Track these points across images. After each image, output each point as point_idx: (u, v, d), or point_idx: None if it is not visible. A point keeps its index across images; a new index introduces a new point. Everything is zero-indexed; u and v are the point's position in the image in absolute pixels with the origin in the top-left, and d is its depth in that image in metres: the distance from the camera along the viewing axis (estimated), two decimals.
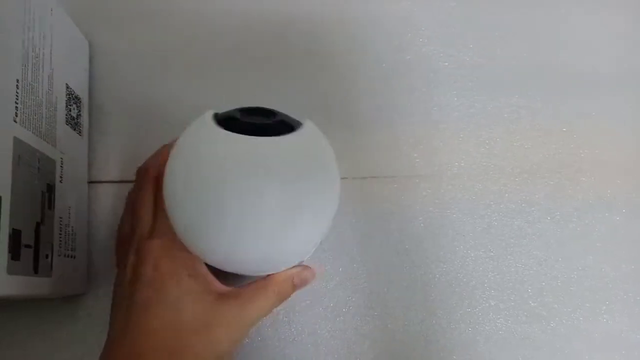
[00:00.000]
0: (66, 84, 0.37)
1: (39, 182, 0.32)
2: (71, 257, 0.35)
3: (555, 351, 0.39)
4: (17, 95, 0.30)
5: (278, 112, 0.30)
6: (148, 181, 0.33)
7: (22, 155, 0.30)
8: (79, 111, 0.39)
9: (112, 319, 0.30)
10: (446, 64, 0.43)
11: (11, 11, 0.30)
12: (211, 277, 0.31)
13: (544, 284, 0.40)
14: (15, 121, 0.29)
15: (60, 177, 0.34)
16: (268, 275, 0.32)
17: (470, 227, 0.40)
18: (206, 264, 0.31)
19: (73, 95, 0.38)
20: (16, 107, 0.29)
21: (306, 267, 0.33)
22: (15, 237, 0.28)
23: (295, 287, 0.33)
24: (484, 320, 0.39)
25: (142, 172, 0.34)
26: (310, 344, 0.38)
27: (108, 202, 0.40)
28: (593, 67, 0.44)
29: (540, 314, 0.39)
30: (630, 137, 0.43)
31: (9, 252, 0.28)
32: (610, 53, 0.44)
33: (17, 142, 0.29)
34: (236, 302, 0.30)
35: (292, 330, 0.38)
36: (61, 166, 0.35)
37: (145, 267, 0.29)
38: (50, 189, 0.33)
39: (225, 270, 0.30)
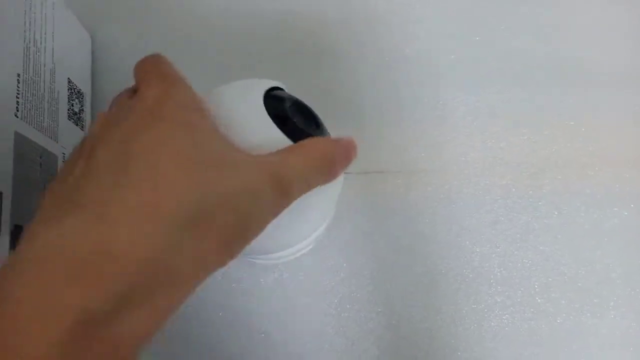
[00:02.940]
0: (68, 78, 0.36)
1: (41, 178, 0.31)
2: None
3: (562, 348, 0.38)
4: (18, 90, 0.29)
5: (320, 124, 0.30)
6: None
7: (24, 150, 0.29)
8: (82, 106, 0.38)
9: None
10: (452, 57, 0.43)
11: (12, 5, 0.30)
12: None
13: (550, 279, 0.39)
14: (16, 116, 0.29)
15: None
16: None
17: (476, 223, 0.40)
18: None
19: (75, 90, 0.37)
20: (17, 102, 0.29)
21: (344, 139, 0.27)
22: (16, 234, 0.28)
23: (352, 157, 0.27)
24: (490, 316, 0.38)
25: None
26: (314, 341, 0.38)
27: None
28: (601, 60, 0.43)
29: (547, 310, 0.39)
30: (638, 131, 0.42)
31: (11, 248, 0.27)
32: (619, 47, 0.44)
33: (19, 137, 0.29)
34: (273, 154, 0.23)
35: (296, 326, 0.38)
36: (63, 161, 0.34)
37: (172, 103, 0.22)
38: None
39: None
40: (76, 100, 0.37)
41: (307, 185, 0.24)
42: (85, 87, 0.39)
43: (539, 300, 0.39)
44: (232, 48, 0.43)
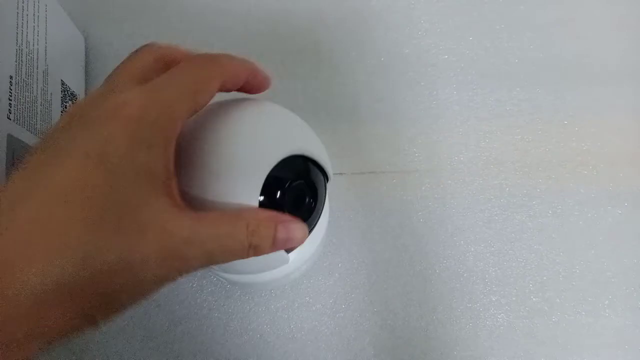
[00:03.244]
0: (61, 80, 0.36)
1: None
2: None
3: (557, 346, 0.38)
4: (10, 92, 0.29)
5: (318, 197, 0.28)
6: None
7: (17, 152, 0.29)
8: None
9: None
10: (446, 56, 0.43)
11: (5, 7, 0.30)
12: (172, 174, 0.21)
13: (545, 278, 0.39)
14: (9, 118, 0.29)
15: None
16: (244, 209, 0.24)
17: (470, 222, 0.40)
18: None
19: (69, 92, 0.37)
20: (10, 104, 0.29)
21: (295, 219, 0.24)
22: None
23: (275, 241, 0.23)
24: (485, 315, 0.38)
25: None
26: (310, 341, 0.38)
27: None
28: (594, 60, 0.44)
29: (542, 308, 0.39)
30: (632, 130, 0.42)
31: None
32: (612, 46, 0.44)
33: (11, 139, 0.29)
34: (194, 214, 0.21)
35: (292, 326, 0.38)
36: None
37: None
38: None
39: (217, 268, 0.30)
40: (69, 101, 0.37)
41: (210, 262, 0.22)
42: (78, 88, 0.39)
43: (533, 299, 0.39)
44: (227, 48, 0.42)
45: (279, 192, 0.26)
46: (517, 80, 0.43)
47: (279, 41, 0.43)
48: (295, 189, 0.27)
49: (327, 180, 0.30)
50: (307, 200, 0.28)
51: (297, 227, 0.24)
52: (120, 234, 0.18)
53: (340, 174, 0.40)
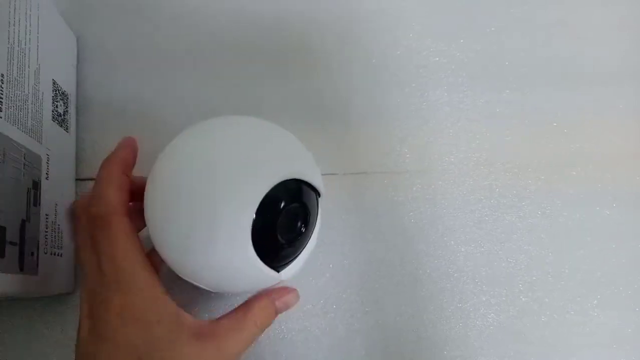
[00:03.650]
0: (53, 79, 0.36)
1: (25, 179, 0.31)
2: (57, 255, 0.35)
3: (546, 346, 0.39)
4: (1, 90, 0.29)
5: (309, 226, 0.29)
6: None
7: (7, 151, 0.29)
8: (66, 107, 0.38)
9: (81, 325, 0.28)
10: (437, 58, 0.43)
11: None
12: (180, 313, 0.28)
13: (535, 278, 0.39)
14: (0, 116, 0.29)
15: (47, 173, 0.34)
16: (246, 302, 0.30)
17: (461, 222, 0.40)
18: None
19: (60, 91, 0.37)
20: (1, 102, 0.29)
21: (288, 290, 0.31)
22: (0, 235, 0.28)
23: (277, 313, 0.30)
24: (475, 315, 0.39)
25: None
26: (301, 341, 0.38)
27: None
28: (584, 63, 0.44)
29: (531, 308, 0.39)
30: (620, 131, 0.43)
31: None
32: (604, 49, 0.44)
33: (2, 137, 0.29)
34: (213, 343, 0.27)
35: (283, 327, 0.38)
36: (47, 163, 0.34)
37: (105, 320, 0.26)
38: (36, 185, 0.33)
39: (210, 289, 0.30)
40: (60, 101, 0.37)
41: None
42: (70, 88, 0.39)
43: (523, 299, 0.39)
44: (221, 50, 0.43)
45: (270, 218, 0.26)
46: (507, 82, 0.43)
47: (270, 42, 0.43)
48: (288, 212, 0.27)
49: (319, 196, 0.30)
50: (299, 224, 0.28)
51: (291, 296, 0.31)
52: None
53: (332, 174, 0.40)
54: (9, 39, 0.30)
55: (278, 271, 0.28)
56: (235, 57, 0.43)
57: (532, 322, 0.39)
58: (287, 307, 0.31)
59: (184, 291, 0.34)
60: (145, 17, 0.43)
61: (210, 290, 0.30)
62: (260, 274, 0.27)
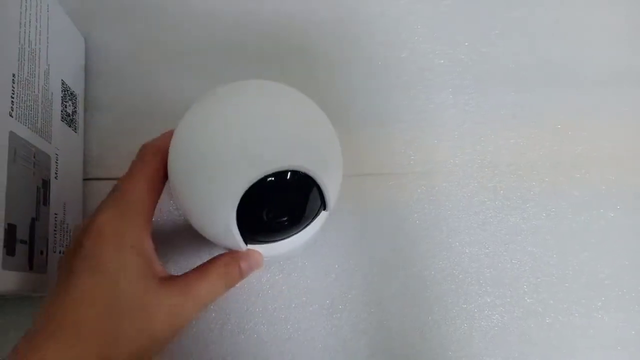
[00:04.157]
0: (62, 80, 0.36)
1: (35, 178, 0.31)
2: None
3: (550, 347, 0.39)
4: (13, 90, 0.29)
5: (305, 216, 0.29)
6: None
7: (18, 150, 0.29)
8: (75, 108, 0.38)
9: (49, 290, 0.28)
10: (441, 61, 0.44)
11: (8, 5, 0.30)
12: (154, 257, 0.28)
13: (539, 280, 0.40)
14: (11, 115, 0.29)
15: (56, 173, 0.34)
16: (212, 259, 0.30)
17: (465, 224, 0.40)
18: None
19: (69, 92, 0.37)
20: (12, 101, 0.29)
21: (253, 251, 0.31)
22: (10, 232, 0.28)
23: (242, 273, 0.30)
24: (480, 316, 0.39)
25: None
26: (307, 341, 0.38)
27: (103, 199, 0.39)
28: (588, 65, 0.44)
29: (535, 310, 0.39)
30: (624, 133, 0.43)
31: (4, 246, 0.27)
32: (605, 51, 0.45)
33: (13, 136, 0.29)
34: (178, 288, 0.28)
35: (289, 327, 0.38)
36: (56, 162, 0.34)
37: (87, 235, 0.26)
38: (46, 184, 0.33)
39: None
40: (69, 102, 0.37)
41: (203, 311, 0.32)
42: (78, 89, 0.39)
43: (528, 301, 0.39)
44: (225, 50, 0.43)
45: (260, 200, 0.26)
46: (511, 84, 0.43)
47: (275, 43, 0.43)
48: (278, 202, 0.27)
49: (325, 209, 0.29)
50: (284, 218, 0.27)
51: (254, 259, 0.31)
52: (132, 325, 0.25)
53: None
54: (19, 39, 0.31)
55: (247, 243, 0.28)
56: (241, 58, 0.43)
57: (536, 324, 0.39)
58: (250, 269, 0.31)
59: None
60: (151, 18, 0.43)
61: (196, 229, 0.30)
62: (232, 236, 0.27)
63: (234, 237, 0.27)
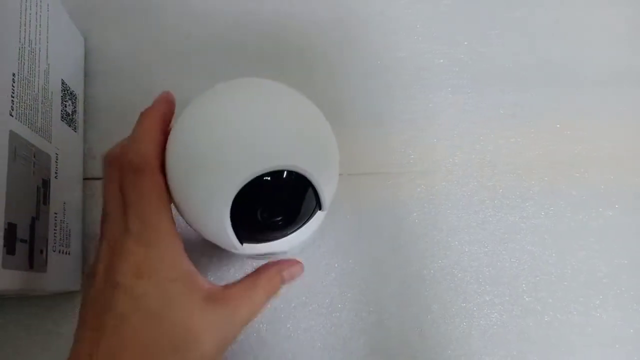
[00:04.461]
0: (62, 79, 0.37)
1: (35, 177, 0.31)
2: (66, 253, 0.35)
3: (549, 345, 0.39)
4: (13, 89, 0.30)
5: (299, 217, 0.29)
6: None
7: (18, 149, 0.30)
8: (74, 107, 0.38)
9: (82, 321, 0.26)
10: (441, 60, 0.44)
11: (8, 4, 0.30)
12: (196, 275, 0.28)
13: (538, 278, 0.40)
14: (11, 115, 0.29)
15: (56, 172, 0.34)
16: (255, 271, 0.30)
17: (464, 223, 0.41)
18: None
19: (68, 91, 0.38)
20: (12, 100, 0.29)
21: (295, 262, 0.32)
22: (10, 231, 0.28)
23: (284, 283, 0.31)
24: (479, 314, 0.39)
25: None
26: (307, 340, 0.38)
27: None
28: (587, 64, 0.44)
29: (534, 308, 0.39)
30: (623, 133, 0.43)
31: (4, 245, 0.28)
32: (604, 51, 0.45)
33: (13, 135, 0.29)
34: (224, 305, 0.27)
35: (288, 326, 0.38)
36: (56, 162, 0.35)
37: (123, 271, 0.26)
38: (46, 184, 0.33)
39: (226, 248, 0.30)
40: (69, 101, 0.38)
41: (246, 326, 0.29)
42: (78, 89, 0.39)
43: (526, 299, 0.39)
44: (225, 50, 0.43)
45: (250, 209, 0.26)
46: (510, 84, 0.44)
47: (274, 44, 0.43)
48: (270, 202, 0.27)
49: (321, 209, 0.29)
50: (278, 218, 0.27)
51: (296, 268, 0.31)
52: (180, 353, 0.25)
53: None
54: (20, 39, 0.31)
55: (242, 243, 0.28)
56: (241, 58, 0.43)
57: (535, 322, 0.39)
58: (292, 278, 0.31)
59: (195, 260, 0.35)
60: (150, 18, 0.43)
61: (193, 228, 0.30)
62: (226, 235, 0.27)
63: (229, 237, 0.27)
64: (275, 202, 0.27)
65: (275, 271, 0.30)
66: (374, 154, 0.42)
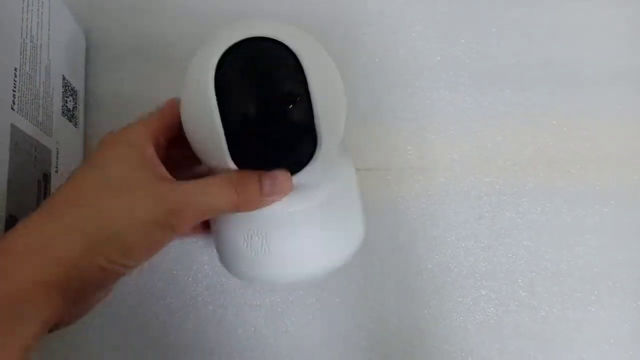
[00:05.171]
0: (63, 75, 0.37)
1: (36, 171, 0.32)
2: None
3: (545, 340, 0.39)
4: (14, 83, 0.30)
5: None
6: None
7: (19, 142, 0.30)
8: (75, 103, 0.39)
9: None
10: (439, 58, 0.44)
11: (10, 1, 0.31)
12: (158, 162, 0.27)
13: (534, 274, 0.40)
14: (12, 109, 0.30)
15: (56, 167, 0.35)
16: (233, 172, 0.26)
17: (462, 218, 0.41)
18: None
19: (69, 87, 0.38)
20: (14, 94, 0.30)
21: (281, 172, 0.26)
22: (11, 223, 0.28)
23: (263, 193, 0.26)
24: (475, 309, 0.39)
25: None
26: (305, 335, 0.39)
27: None
28: (585, 62, 0.45)
29: (530, 303, 0.40)
30: (619, 131, 0.43)
31: None
32: (603, 50, 0.45)
33: (15, 129, 0.29)
34: (179, 184, 0.26)
35: (286, 320, 0.39)
36: (57, 156, 0.35)
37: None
38: (46, 178, 0.33)
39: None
40: (70, 97, 0.38)
41: (203, 219, 0.27)
42: (78, 84, 0.40)
43: (522, 294, 0.40)
44: None
45: (239, 86, 0.25)
46: (508, 82, 0.44)
47: None
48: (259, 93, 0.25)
49: (316, 146, 0.26)
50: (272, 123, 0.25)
51: (282, 180, 0.26)
52: (116, 203, 0.25)
53: None
54: (21, 34, 0.31)
55: (239, 164, 0.26)
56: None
57: (531, 317, 0.39)
58: (273, 192, 0.26)
59: None
60: (152, 14, 0.44)
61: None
62: (217, 136, 0.25)
63: (218, 133, 0.25)
64: (264, 80, 0.25)
65: (254, 175, 0.26)
66: (373, 151, 0.42)
